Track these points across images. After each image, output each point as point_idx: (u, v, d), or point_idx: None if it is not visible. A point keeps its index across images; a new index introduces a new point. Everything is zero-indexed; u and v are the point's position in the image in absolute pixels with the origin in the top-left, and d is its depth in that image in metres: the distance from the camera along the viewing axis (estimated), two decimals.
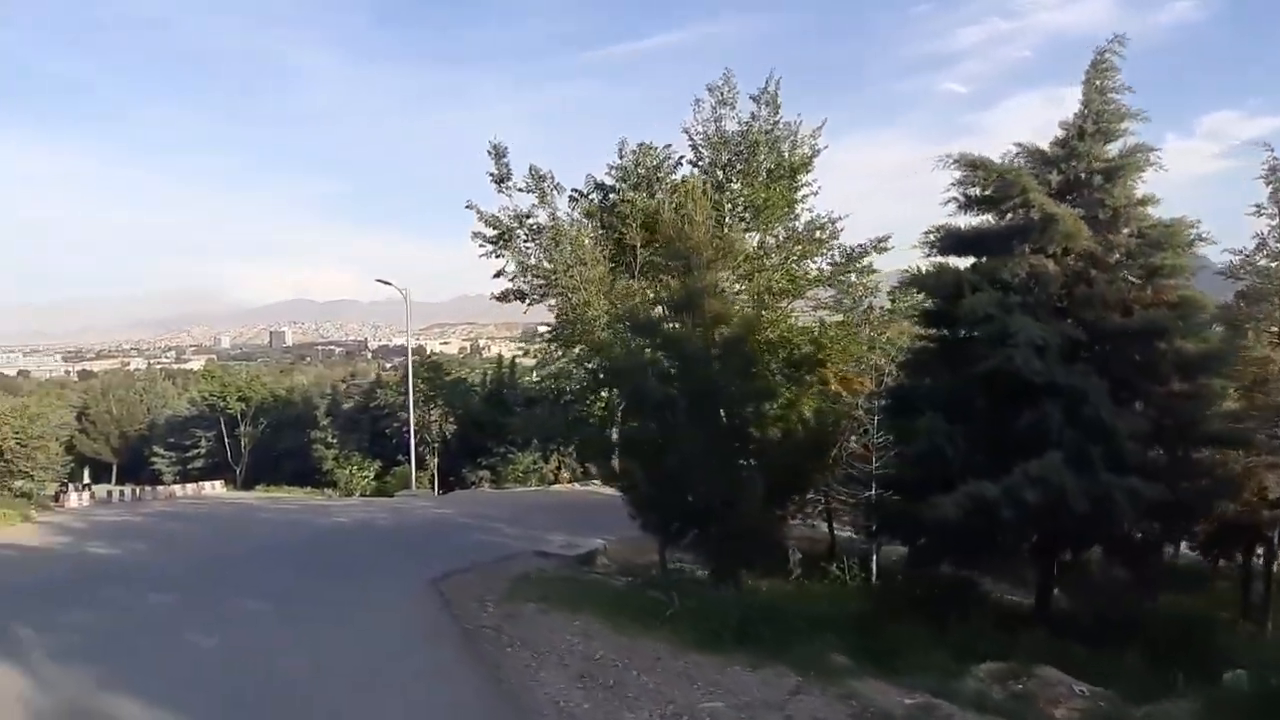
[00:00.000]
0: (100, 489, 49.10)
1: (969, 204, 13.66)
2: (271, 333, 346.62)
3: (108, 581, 16.68)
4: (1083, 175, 13.67)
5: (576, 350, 32.79)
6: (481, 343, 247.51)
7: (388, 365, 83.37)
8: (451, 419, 45.47)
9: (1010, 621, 13.29)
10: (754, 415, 13.33)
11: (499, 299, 35.96)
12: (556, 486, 38.19)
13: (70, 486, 47.06)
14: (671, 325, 12.93)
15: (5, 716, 8.91)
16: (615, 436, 22.93)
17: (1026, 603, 15.77)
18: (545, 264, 32.05)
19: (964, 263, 13.89)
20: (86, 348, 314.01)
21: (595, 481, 38.82)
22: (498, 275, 34.33)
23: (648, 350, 13.84)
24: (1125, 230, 13.56)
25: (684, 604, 11.93)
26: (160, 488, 49.55)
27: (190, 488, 47.94)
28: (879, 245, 31.00)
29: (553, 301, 32.73)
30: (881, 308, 29.51)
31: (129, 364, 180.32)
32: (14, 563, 19.68)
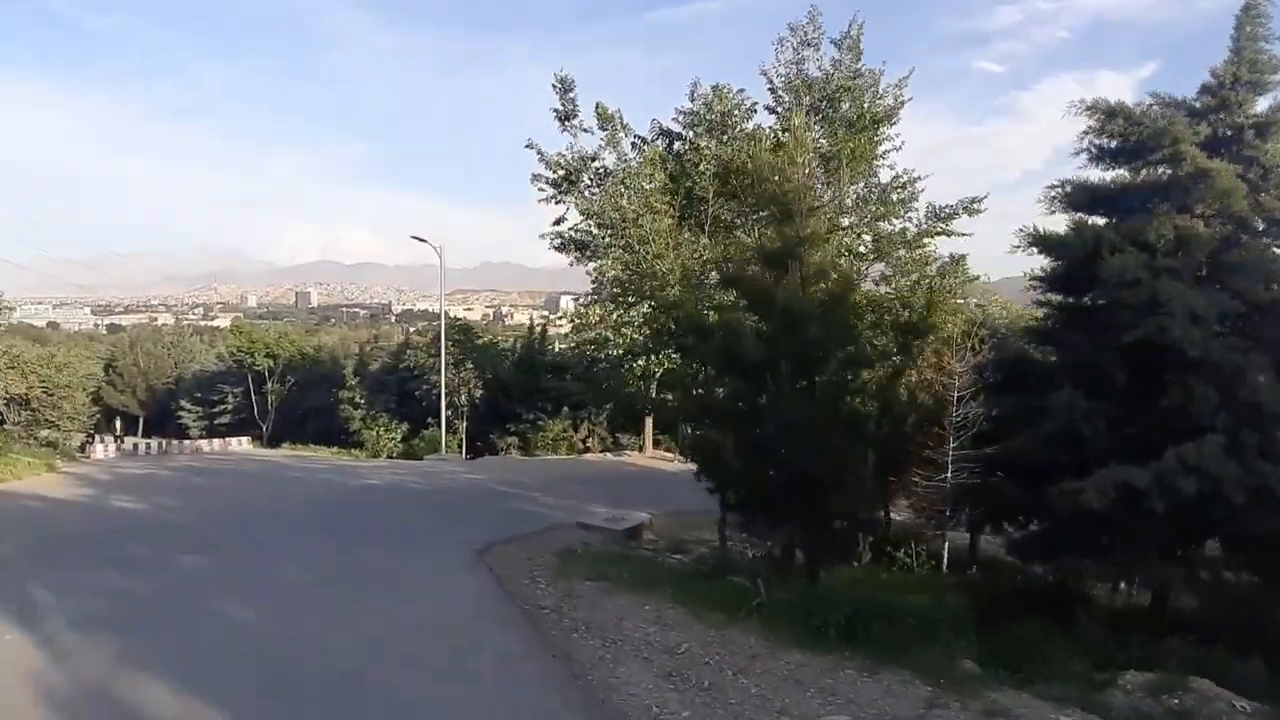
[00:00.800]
0: (128, 442, 48.07)
1: (1102, 156, 12.11)
2: (298, 293, 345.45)
3: (134, 538, 15.52)
4: (1232, 130, 12.14)
5: (645, 308, 30.01)
6: (505, 310, 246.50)
7: (411, 329, 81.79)
8: (480, 384, 44.01)
9: (1122, 621, 11.89)
10: (854, 384, 11.86)
11: (558, 249, 34.25)
12: (588, 456, 36.75)
13: (97, 437, 46.18)
14: (766, 279, 11.46)
15: (12, 699, 7.59)
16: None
17: (1129, 601, 14.49)
18: (612, 212, 29.62)
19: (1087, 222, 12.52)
20: (115, 302, 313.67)
21: (628, 451, 37.43)
22: (557, 223, 32.61)
23: (739, 307, 12.41)
24: (1276, 192, 12.00)
25: (772, 593, 10.47)
26: (186, 442, 48.54)
27: (217, 443, 46.91)
28: (970, 206, 29.28)
29: (613, 256, 30.50)
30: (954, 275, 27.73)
31: (157, 319, 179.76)
32: (37, 515, 18.55)
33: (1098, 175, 12.20)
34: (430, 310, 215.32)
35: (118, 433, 50.36)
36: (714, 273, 21.84)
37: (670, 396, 29.12)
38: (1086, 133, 11.94)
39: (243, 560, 13.76)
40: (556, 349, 49.34)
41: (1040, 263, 12.44)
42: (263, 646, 9.11)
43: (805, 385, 10.64)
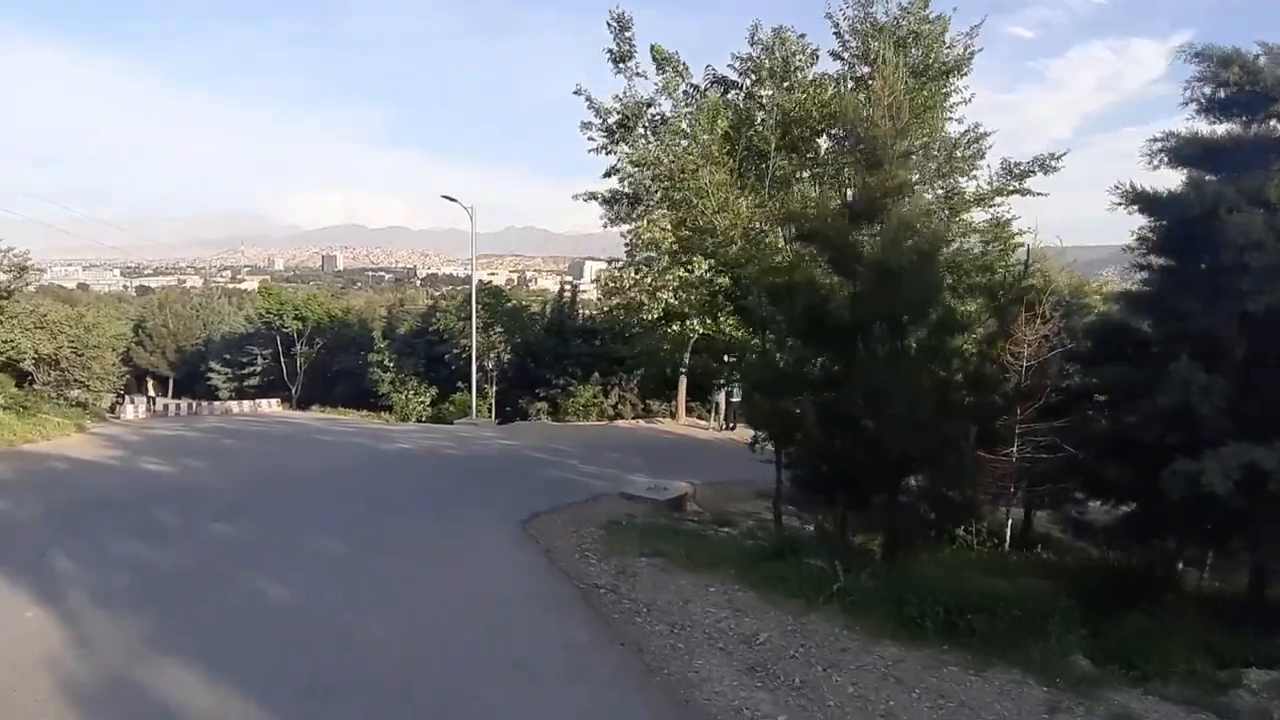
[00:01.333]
0: (159, 403, 47.69)
1: (1211, 107, 11.00)
2: (324, 256, 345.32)
3: (162, 504, 14.75)
4: None
5: (704, 267, 28.33)
6: (529, 275, 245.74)
7: (435, 293, 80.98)
8: (509, 348, 43.17)
9: (1219, 612, 10.94)
10: (948, 350, 10.85)
11: (606, 203, 33.16)
12: (620, 423, 35.87)
13: (127, 398, 45.76)
14: (850, 234, 10.44)
15: (24, 687, 6.80)
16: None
17: (1217, 589, 13.53)
18: (669, 162, 27.78)
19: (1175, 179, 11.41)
20: (145, 264, 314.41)
21: (660, 419, 36.59)
22: (608, 175, 31.21)
23: (819, 263, 11.41)
24: None
25: (850, 577, 9.57)
26: (216, 403, 48.21)
27: (246, 404, 46.55)
28: (1047, 164, 27.87)
29: (664, 211, 28.93)
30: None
31: (185, 281, 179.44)
32: (63, 478, 17.90)
33: (1205, 129, 11.10)
34: (455, 275, 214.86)
35: (151, 393, 50.02)
36: (775, 230, 20.08)
37: (724, 361, 27.67)
38: (1193, 81, 10.80)
39: (274, 529, 12.99)
40: (585, 314, 48.49)
41: (1138, 222, 11.42)
42: (301, 633, 8.30)
43: (897, 351, 9.65)
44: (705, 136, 24.32)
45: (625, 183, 30.16)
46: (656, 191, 28.65)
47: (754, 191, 25.68)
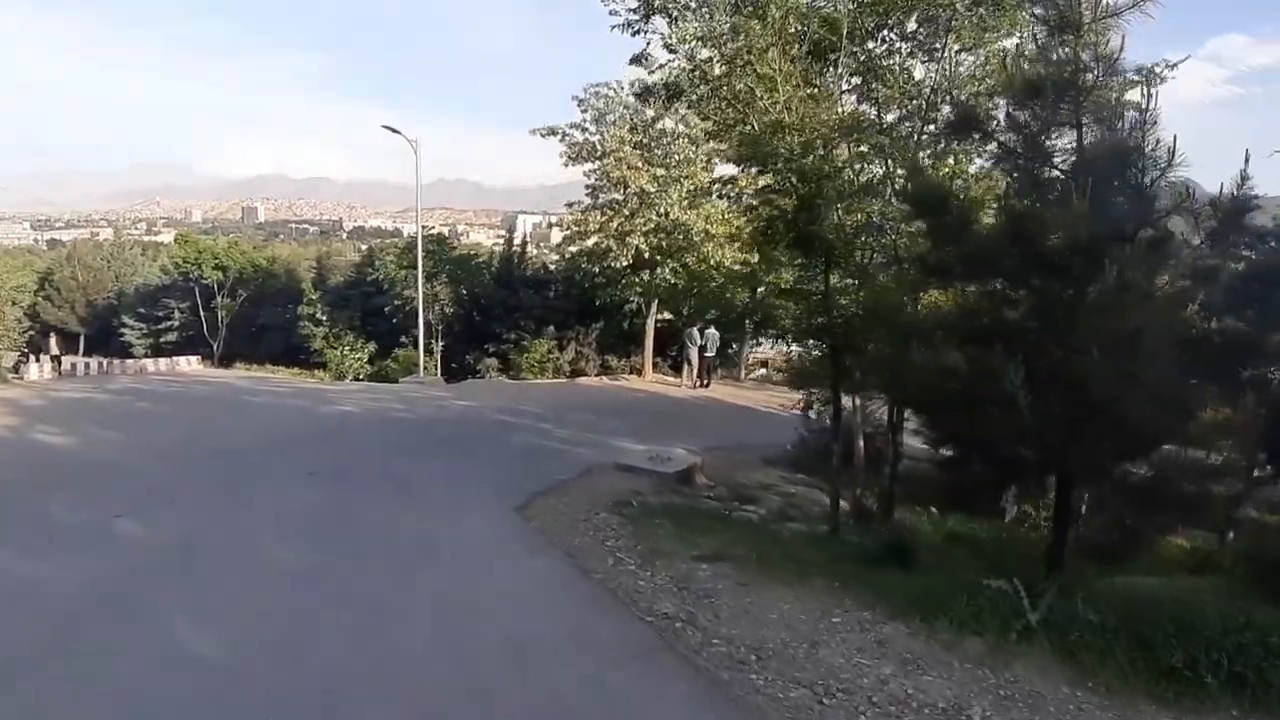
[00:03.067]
0: (66, 361, 43.72)
1: None
2: (244, 208, 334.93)
3: (56, 491, 11.69)
4: None
5: (770, 177, 22.34)
6: (460, 228, 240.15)
7: (363, 247, 77.03)
8: (454, 301, 39.93)
9: None
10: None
11: (638, 96, 29.04)
12: (583, 380, 32.98)
13: (31, 357, 41.92)
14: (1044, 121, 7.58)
15: None
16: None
17: None
18: (731, 43, 20.80)
19: None
20: (55, 217, 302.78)
21: (624, 375, 33.74)
22: (635, 61, 26.51)
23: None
24: None
25: (1046, 602, 6.78)
26: (130, 361, 44.30)
27: (163, 362, 42.71)
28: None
29: (704, 114, 24.45)
30: None
31: (98, 234, 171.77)
32: None
33: None
34: (383, 228, 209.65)
35: (54, 351, 46.04)
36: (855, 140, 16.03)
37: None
38: None
39: (201, 528, 9.97)
40: (538, 263, 45.37)
41: None
42: None
43: (1133, 285, 6.80)
44: (776, 12, 18.38)
45: (663, 71, 25.02)
46: (708, 80, 23.00)
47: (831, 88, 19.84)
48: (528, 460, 15.42)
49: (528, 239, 46.05)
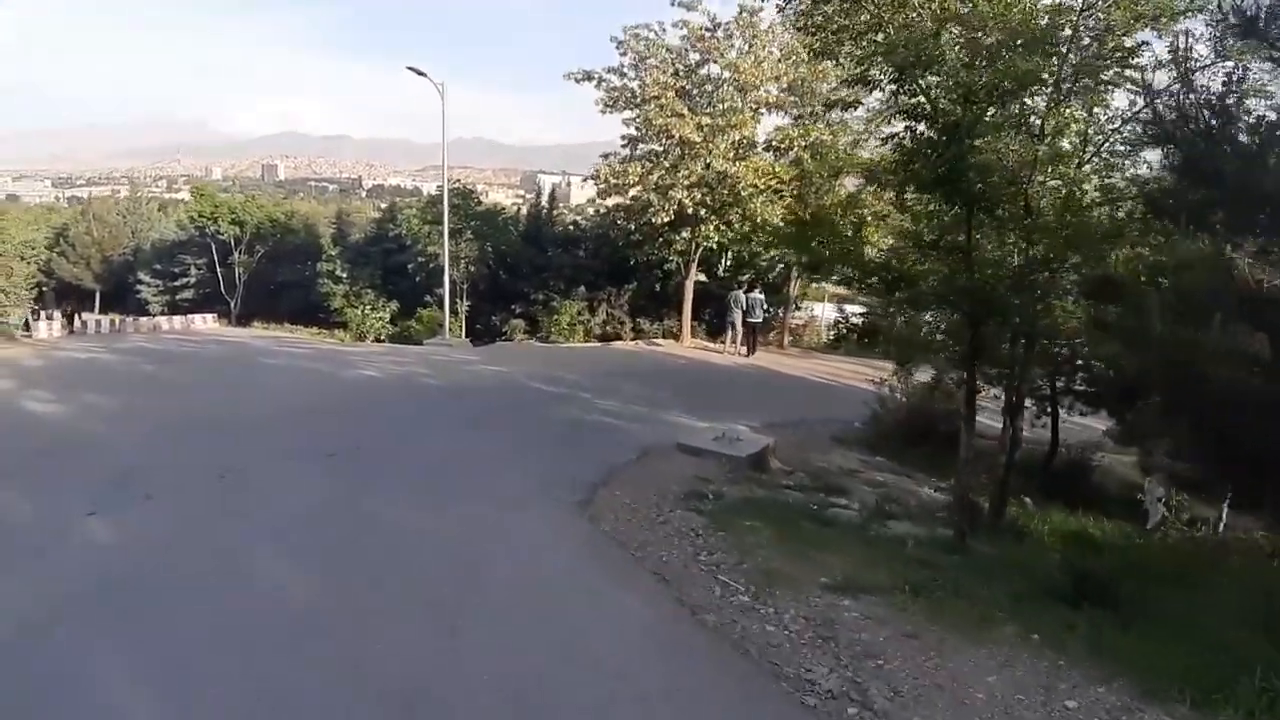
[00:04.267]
0: (78, 318, 41.90)
1: None
2: (264, 166, 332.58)
3: (25, 474, 9.80)
4: None
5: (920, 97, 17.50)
6: (479, 187, 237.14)
7: (382, 205, 74.73)
8: (479, 259, 37.71)
9: None
10: None
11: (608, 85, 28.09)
12: (618, 344, 30.81)
13: (42, 314, 40.13)
14: None
15: None
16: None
17: None
18: None
19: None
20: (77, 174, 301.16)
21: (659, 340, 31.54)
22: None
23: None
24: None
25: None
26: (143, 319, 42.39)
27: (178, 321, 40.83)
28: None
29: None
30: None
31: (119, 191, 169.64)
32: None
33: None
34: (402, 186, 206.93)
35: (67, 309, 44.08)
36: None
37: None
38: None
39: (186, 532, 7.95)
40: (568, 220, 42.99)
41: None
42: None
43: None
44: None
45: None
46: None
47: None
48: (577, 439, 13.52)
49: (554, 196, 43.50)
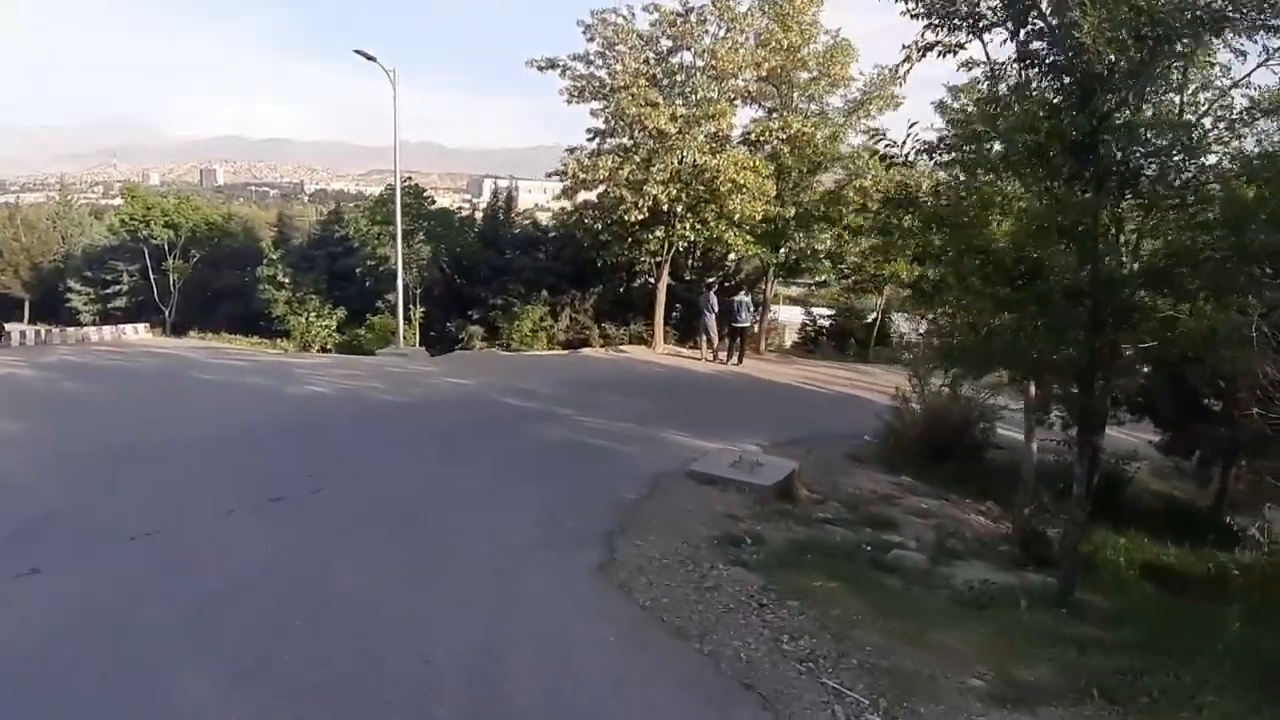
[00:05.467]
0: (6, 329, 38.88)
1: None
2: (202, 170, 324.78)
3: None
4: None
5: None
6: (426, 193, 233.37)
7: (325, 210, 71.90)
8: (433, 261, 35.29)
9: None
10: None
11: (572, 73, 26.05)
12: (587, 351, 28.61)
13: None
14: None
15: None
16: None
17: None
18: None
19: None
20: (11, 180, 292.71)
21: (625, 346, 29.42)
22: None
23: None
24: None
25: None
26: (72, 330, 39.42)
27: (108, 331, 37.93)
28: None
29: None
30: None
31: (56, 198, 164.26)
32: None
33: None
34: (346, 190, 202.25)
35: None
36: None
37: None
38: None
39: (79, 622, 5.79)
40: (525, 220, 40.61)
41: None
42: None
43: None
44: None
45: None
46: None
47: None
48: (569, 467, 11.59)
49: (511, 196, 40.95)
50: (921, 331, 24.21)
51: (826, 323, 36.75)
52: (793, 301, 40.27)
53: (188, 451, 11.24)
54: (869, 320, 35.80)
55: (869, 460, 14.79)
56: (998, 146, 8.44)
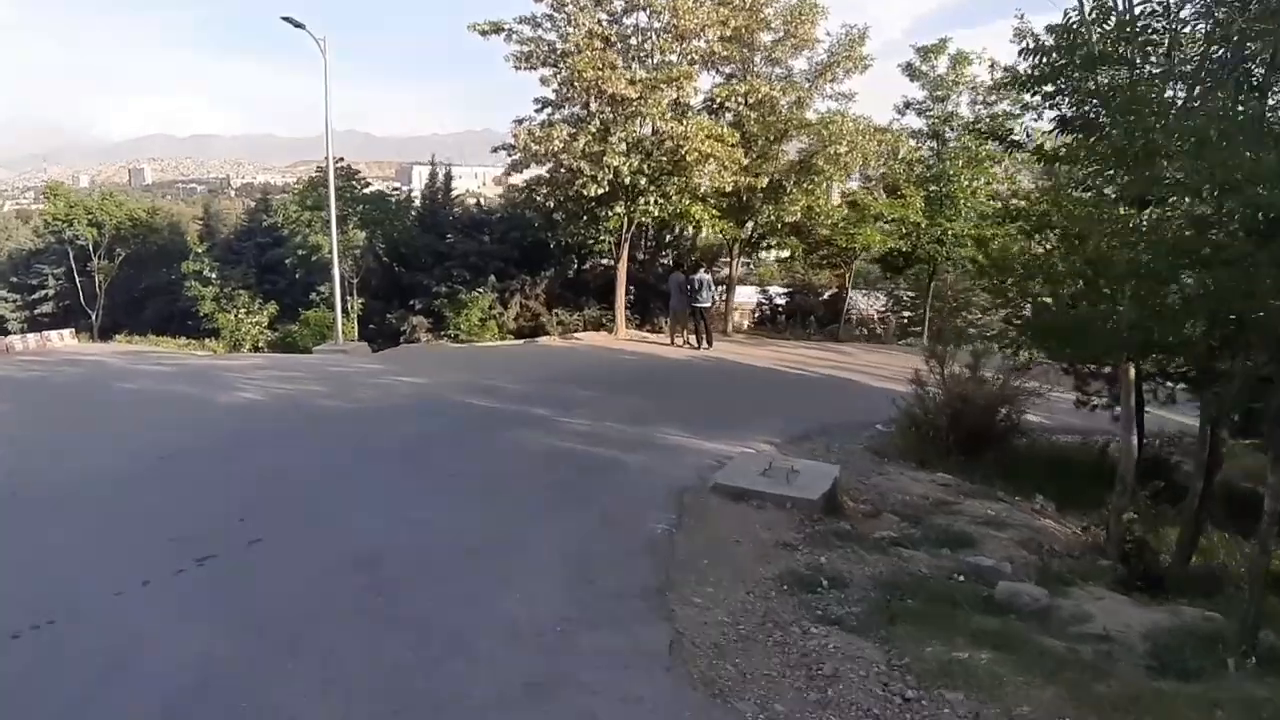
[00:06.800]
0: None
1: None
2: (131, 170, 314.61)
3: None
4: None
5: None
6: (358, 174, 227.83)
7: (252, 204, 68.29)
8: (371, 249, 32.58)
9: None
10: None
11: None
12: (544, 340, 26.05)
13: None
14: None
15: None
16: None
17: None
18: None
19: None
20: None
21: (582, 334, 26.94)
22: None
23: None
24: None
25: None
26: None
27: (33, 339, 34.64)
28: None
29: None
30: None
31: None
32: None
33: None
34: (273, 183, 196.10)
35: None
36: None
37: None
38: None
39: None
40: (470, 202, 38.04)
41: None
42: None
43: None
44: None
45: None
46: None
47: None
48: (573, 490, 9.18)
49: (450, 176, 38.17)
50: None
51: (782, 301, 35.05)
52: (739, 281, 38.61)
53: (96, 492, 8.67)
54: (826, 297, 34.21)
55: (892, 454, 12.80)
56: None
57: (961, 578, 7.44)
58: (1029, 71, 9.89)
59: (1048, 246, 11.68)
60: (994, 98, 26.79)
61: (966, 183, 27.46)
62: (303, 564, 6.68)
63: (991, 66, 25.74)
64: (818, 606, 6.20)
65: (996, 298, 13.76)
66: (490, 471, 9.69)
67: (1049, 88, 10.14)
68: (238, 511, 7.81)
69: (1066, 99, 10.21)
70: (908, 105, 28.60)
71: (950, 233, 27.14)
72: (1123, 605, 7.29)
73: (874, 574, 7.12)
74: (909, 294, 34.47)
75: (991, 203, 26.02)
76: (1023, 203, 15.67)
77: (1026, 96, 11.88)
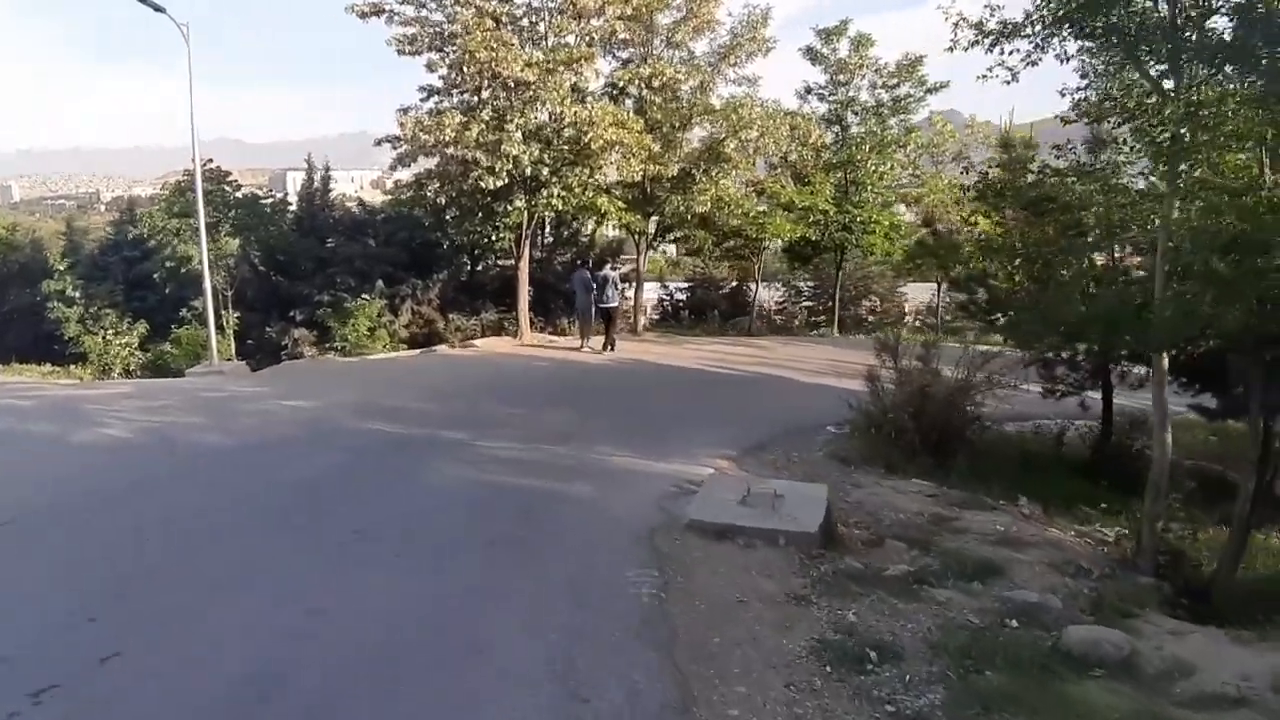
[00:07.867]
0: None
1: None
2: None
3: None
4: None
5: None
6: (229, 177, 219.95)
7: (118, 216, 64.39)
8: (245, 257, 29.96)
9: None
10: None
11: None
12: (443, 349, 23.83)
13: None
14: None
15: None
16: None
17: None
18: None
19: None
20: None
21: (480, 341, 24.88)
22: None
23: None
24: None
25: None
26: None
27: None
28: None
29: None
30: None
31: None
32: None
33: None
34: (142, 195, 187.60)
35: None
36: None
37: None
38: None
39: None
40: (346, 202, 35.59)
41: None
42: None
43: None
44: None
45: None
46: None
47: None
48: (517, 543, 7.35)
49: (328, 177, 35.54)
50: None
51: (683, 296, 33.90)
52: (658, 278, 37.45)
53: None
54: (727, 290, 33.70)
55: (856, 460, 11.54)
56: None
57: (1015, 623, 5.98)
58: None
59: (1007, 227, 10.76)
60: (894, 81, 26.48)
61: (874, 168, 27.08)
62: (178, 695, 4.73)
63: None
64: (880, 694, 4.69)
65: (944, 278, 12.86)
66: (409, 527, 7.69)
67: None
68: (87, 606, 5.80)
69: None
70: (809, 90, 27.91)
71: (858, 220, 26.60)
72: (1215, 644, 6.00)
73: (920, 632, 5.59)
74: (809, 284, 34.04)
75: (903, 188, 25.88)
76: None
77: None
